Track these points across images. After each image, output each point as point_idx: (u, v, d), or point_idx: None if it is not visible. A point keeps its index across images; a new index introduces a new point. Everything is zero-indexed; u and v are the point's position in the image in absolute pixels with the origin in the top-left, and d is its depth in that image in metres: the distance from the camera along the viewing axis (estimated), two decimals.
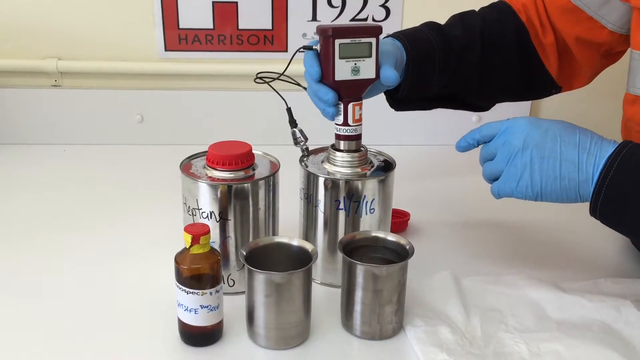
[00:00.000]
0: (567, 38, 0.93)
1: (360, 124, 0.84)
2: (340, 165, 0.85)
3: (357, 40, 0.80)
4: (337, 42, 0.80)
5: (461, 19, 0.96)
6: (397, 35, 0.91)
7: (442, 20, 0.98)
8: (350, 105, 0.83)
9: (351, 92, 0.83)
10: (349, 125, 0.84)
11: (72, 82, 1.38)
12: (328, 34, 0.80)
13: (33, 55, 1.36)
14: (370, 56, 0.81)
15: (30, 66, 1.36)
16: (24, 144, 1.37)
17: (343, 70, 0.81)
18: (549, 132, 0.71)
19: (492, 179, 0.78)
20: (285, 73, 0.87)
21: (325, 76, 0.82)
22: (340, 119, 0.84)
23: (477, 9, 0.99)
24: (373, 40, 0.81)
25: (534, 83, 0.99)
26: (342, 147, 0.85)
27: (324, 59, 0.81)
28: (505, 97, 1.03)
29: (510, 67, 0.96)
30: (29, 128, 1.38)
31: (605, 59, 0.95)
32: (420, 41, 0.90)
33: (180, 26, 1.36)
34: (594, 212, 0.71)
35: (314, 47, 0.83)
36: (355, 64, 0.81)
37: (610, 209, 0.69)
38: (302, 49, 0.84)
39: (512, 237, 1.04)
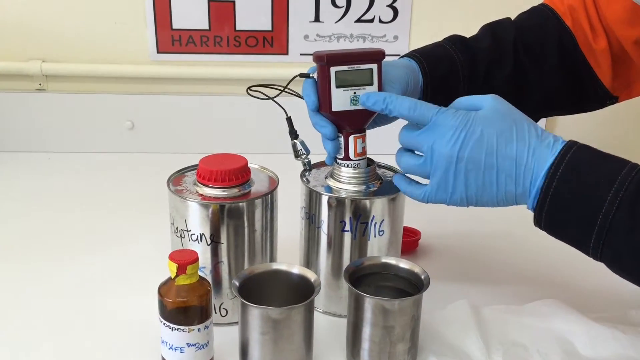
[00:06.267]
0: (624, 41, 0.85)
1: (364, 158, 0.79)
2: (346, 182, 0.79)
3: (355, 67, 0.75)
4: (333, 69, 0.75)
5: (491, 29, 0.89)
6: (413, 55, 0.84)
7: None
8: (351, 138, 0.78)
9: (351, 124, 0.77)
10: (351, 160, 0.78)
11: (57, 85, 1.34)
12: (323, 62, 0.75)
13: (15, 57, 1.32)
14: (371, 84, 0.76)
15: (12, 68, 1.32)
16: (5, 152, 1.32)
17: (341, 100, 0.76)
18: (484, 141, 0.67)
19: (412, 173, 0.73)
20: (282, 86, 0.81)
21: (323, 107, 0.77)
22: (341, 152, 0.78)
23: (513, 16, 0.91)
24: (374, 66, 0.76)
25: (584, 95, 0.91)
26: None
27: (321, 88, 0.76)
28: (550, 112, 0.95)
29: (552, 79, 0.88)
30: (10, 134, 1.33)
31: None
32: (440, 59, 0.84)
33: (174, 27, 1.32)
34: (538, 224, 0.69)
35: (311, 74, 0.78)
36: (355, 92, 0.75)
37: (554, 221, 0.67)
38: (299, 77, 0.79)
39: (533, 259, 0.97)
